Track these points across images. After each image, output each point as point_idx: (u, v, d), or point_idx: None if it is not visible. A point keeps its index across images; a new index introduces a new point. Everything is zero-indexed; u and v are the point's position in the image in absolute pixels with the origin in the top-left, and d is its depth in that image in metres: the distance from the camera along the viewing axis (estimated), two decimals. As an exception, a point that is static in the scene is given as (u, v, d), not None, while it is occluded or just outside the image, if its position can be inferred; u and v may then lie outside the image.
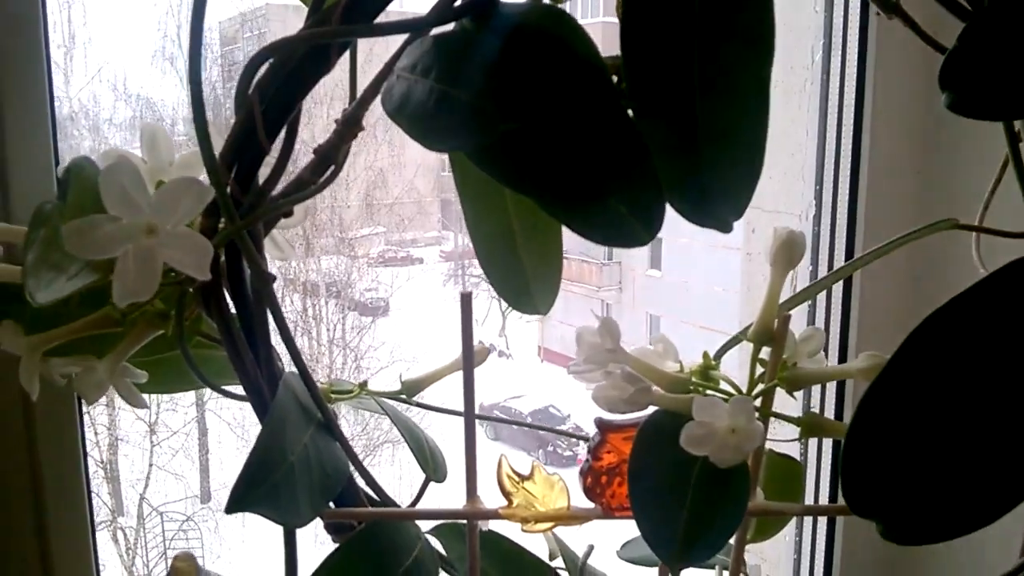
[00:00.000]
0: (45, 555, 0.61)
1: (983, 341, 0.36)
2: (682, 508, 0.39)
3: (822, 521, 0.63)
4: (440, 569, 0.49)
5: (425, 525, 0.48)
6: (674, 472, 0.40)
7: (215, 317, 0.43)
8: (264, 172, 0.42)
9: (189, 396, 4.40)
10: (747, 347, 0.47)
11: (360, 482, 0.46)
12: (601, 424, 0.43)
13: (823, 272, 0.64)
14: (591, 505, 0.44)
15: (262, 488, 0.38)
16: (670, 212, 0.34)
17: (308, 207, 0.49)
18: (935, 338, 0.37)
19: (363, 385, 0.52)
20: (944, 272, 0.35)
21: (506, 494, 0.43)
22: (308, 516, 0.40)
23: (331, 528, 0.46)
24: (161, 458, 3.93)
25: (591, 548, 0.56)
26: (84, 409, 0.63)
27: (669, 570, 0.39)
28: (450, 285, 5.39)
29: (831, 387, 0.63)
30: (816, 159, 0.67)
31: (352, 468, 0.46)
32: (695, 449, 0.38)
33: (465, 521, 0.45)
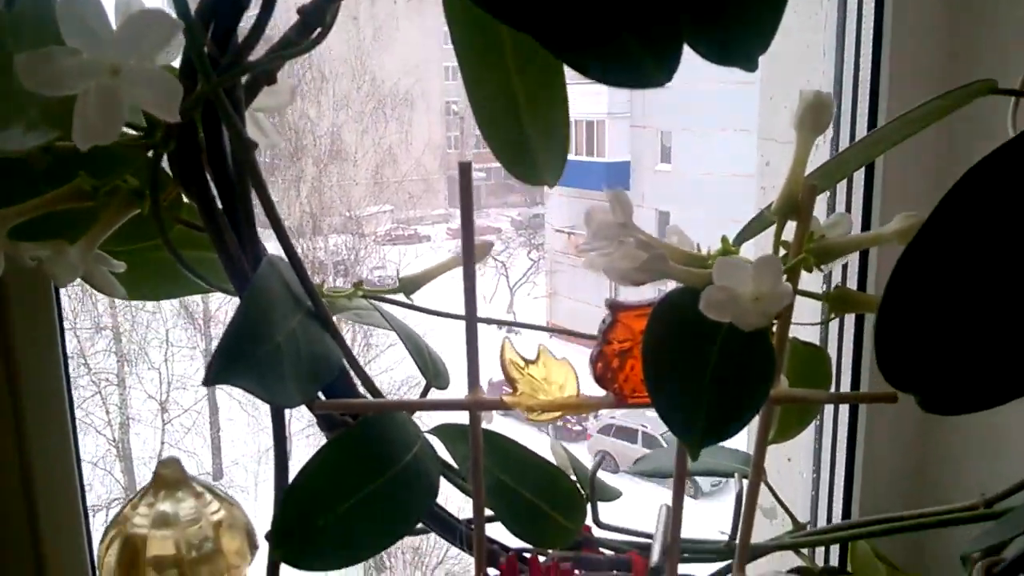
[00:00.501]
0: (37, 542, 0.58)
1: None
2: (702, 385, 0.36)
3: (842, 429, 0.60)
4: (441, 474, 0.46)
5: (427, 430, 0.45)
6: (693, 348, 0.37)
7: (193, 195, 0.40)
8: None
9: (200, 375, 4.40)
10: (764, 240, 0.44)
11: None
12: (613, 305, 0.40)
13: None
14: (602, 393, 0.41)
15: (245, 362, 0.35)
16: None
17: (295, 88, 0.45)
18: (977, 192, 0.33)
19: (358, 285, 0.49)
20: (973, 153, 0.32)
21: (510, 380, 0.40)
22: (296, 398, 0.37)
23: (324, 423, 0.43)
24: (173, 436, 3.94)
25: (602, 457, 0.54)
26: (76, 405, 0.60)
27: (688, 452, 0.36)
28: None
29: (852, 275, 0.59)
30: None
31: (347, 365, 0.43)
32: (716, 314, 0.34)
33: (468, 421, 0.42)
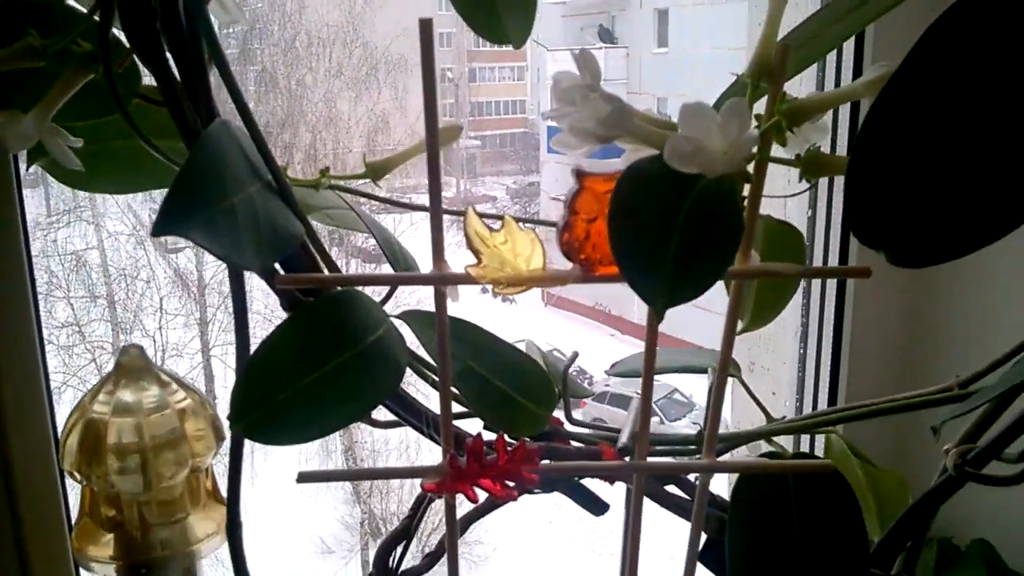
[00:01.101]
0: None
1: (1002, 41, 0.32)
2: (667, 246, 0.35)
3: (829, 310, 0.59)
4: (409, 365, 0.45)
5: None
6: (659, 211, 0.35)
7: (147, 58, 0.38)
8: None
9: (195, 343, 4.40)
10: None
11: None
12: (579, 172, 0.39)
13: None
14: (569, 266, 0.40)
15: (198, 216, 0.34)
16: None
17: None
18: (943, 43, 0.32)
19: (324, 172, 0.48)
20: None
21: (475, 251, 0.39)
22: (253, 260, 0.36)
23: (285, 301, 0.42)
24: (167, 404, 3.92)
25: (575, 354, 0.53)
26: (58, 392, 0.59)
27: (655, 313, 0.35)
28: (452, 231, 5.34)
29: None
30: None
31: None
32: (680, 164, 0.33)
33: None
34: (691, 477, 0.49)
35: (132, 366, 0.45)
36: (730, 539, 0.43)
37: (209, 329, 4.24)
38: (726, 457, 0.48)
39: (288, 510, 3.81)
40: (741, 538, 0.43)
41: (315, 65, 4.57)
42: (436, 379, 0.46)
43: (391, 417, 0.50)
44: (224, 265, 0.43)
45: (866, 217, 0.34)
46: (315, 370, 0.39)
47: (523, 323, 5.15)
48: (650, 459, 0.44)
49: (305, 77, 4.54)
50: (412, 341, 0.47)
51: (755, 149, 0.34)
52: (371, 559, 0.50)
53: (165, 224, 0.32)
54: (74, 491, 0.54)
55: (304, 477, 0.46)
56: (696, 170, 0.33)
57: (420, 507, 0.49)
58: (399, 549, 0.50)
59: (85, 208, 4.42)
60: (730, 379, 0.50)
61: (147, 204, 4.18)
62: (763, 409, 0.50)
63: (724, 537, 0.45)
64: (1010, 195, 0.32)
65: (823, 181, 0.64)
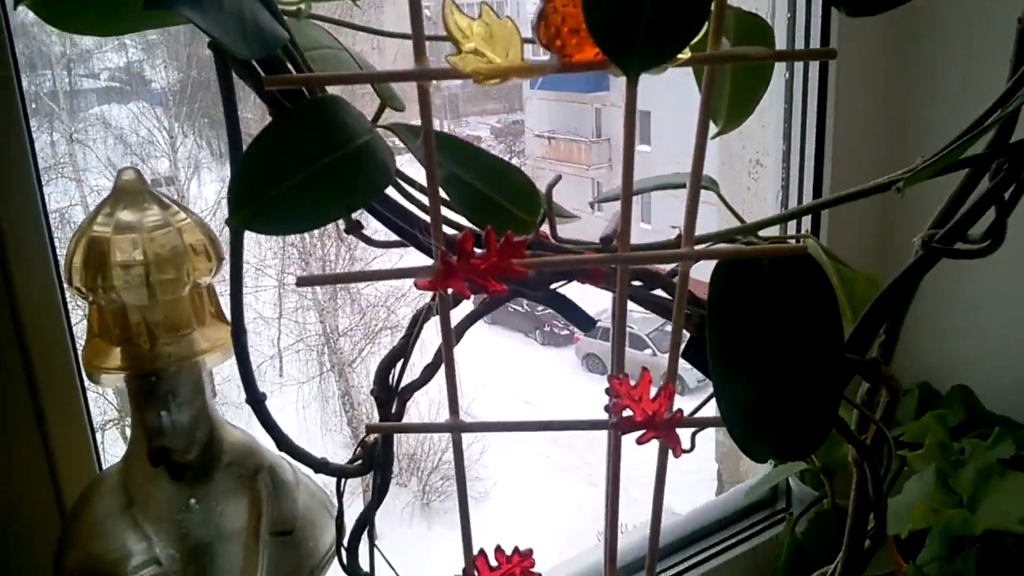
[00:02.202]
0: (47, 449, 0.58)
1: None
2: (641, 13, 0.36)
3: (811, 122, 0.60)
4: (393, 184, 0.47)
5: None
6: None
7: None
8: None
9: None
10: None
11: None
12: (552, -41, 0.40)
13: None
14: (548, 56, 0.41)
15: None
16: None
17: None
18: None
19: (305, -3, 0.49)
20: None
21: (454, 41, 0.41)
22: (241, 44, 0.37)
23: (273, 106, 0.43)
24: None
25: (558, 177, 0.54)
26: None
27: (629, 81, 0.37)
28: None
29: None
30: None
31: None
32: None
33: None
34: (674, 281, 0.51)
35: (129, 187, 0.47)
36: (710, 326, 0.46)
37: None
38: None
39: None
40: (720, 324, 0.45)
41: None
42: (423, 188, 0.48)
43: (385, 238, 0.52)
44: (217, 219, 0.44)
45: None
46: (304, 168, 0.41)
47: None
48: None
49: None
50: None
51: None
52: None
53: (154, -2, 0.34)
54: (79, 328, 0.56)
55: (303, 281, 0.47)
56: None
57: (417, 325, 0.51)
58: (398, 366, 0.52)
59: (66, 164, 4.39)
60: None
61: (127, 158, 4.15)
62: (736, 216, 0.52)
63: (705, 332, 0.47)
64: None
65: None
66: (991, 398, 0.86)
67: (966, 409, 0.84)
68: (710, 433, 1.50)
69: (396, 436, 0.57)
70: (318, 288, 5.20)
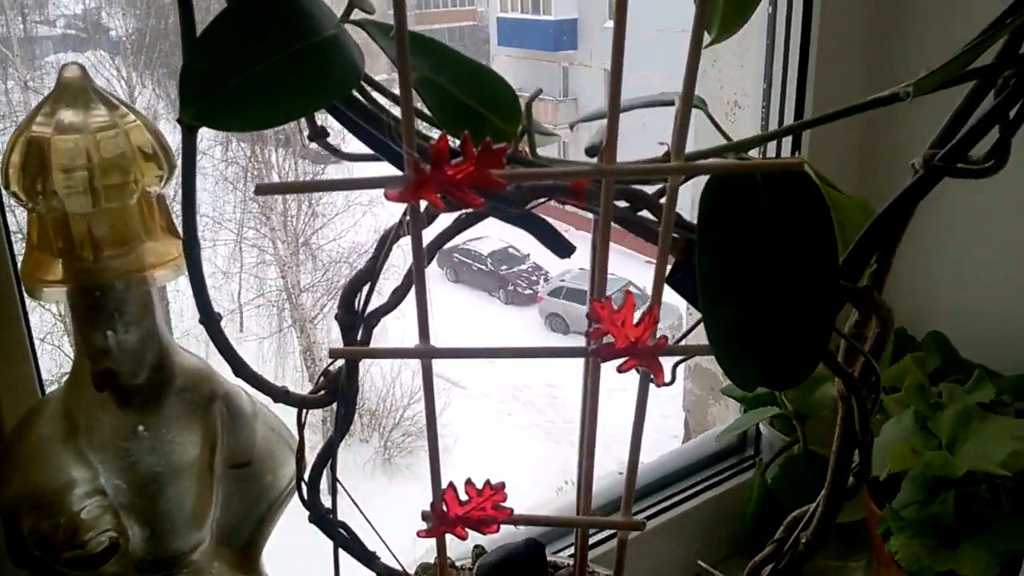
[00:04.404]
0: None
1: None
2: None
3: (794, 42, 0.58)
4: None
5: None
6: None
7: None
8: None
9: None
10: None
11: None
12: None
13: None
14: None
15: None
16: None
17: None
18: None
19: None
20: None
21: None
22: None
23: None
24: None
25: (538, 90, 0.51)
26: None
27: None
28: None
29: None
30: None
31: None
32: None
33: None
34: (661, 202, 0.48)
35: (73, 85, 0.43)
36: (699, 242, 0.43)
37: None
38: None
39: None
40: (710, 239, 0.43)
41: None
42: (395, 97, 0.45)
43: (355, 150, 0.49)
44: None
45: None
46: (269, 56, 0.37)
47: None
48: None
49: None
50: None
51: None
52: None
53: None
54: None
55: (261, 189, 0.44)
56: None
57: (385, 244, 0.48)
58: (364, 290, 0.49)
59: (21, 113, 4.26)
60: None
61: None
62: (722, 132, 0.49)
63: (692, 257, 0.45)
64: None
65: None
66: (966, 347, 0.85)
67: (942, 356, 0.83)
68: (678, 387, 1.49)
69: (362, 371, 0.54)
70: (279, 243, 5.13)
